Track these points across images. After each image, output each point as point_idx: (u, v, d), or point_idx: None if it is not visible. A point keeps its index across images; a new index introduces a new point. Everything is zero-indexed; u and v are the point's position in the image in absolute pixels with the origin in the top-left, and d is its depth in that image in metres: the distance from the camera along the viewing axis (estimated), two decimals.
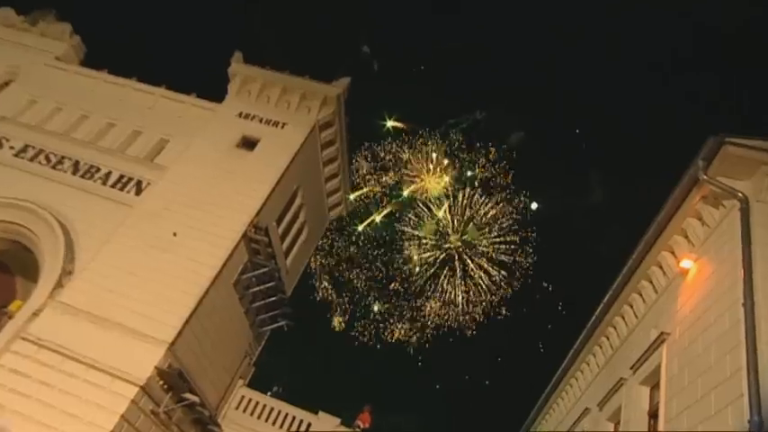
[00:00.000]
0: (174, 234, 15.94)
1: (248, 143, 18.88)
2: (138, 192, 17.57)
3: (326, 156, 21.01)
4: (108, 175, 17.93)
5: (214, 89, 20.26)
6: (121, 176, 17.87)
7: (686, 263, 8.74)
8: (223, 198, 17.09)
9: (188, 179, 17.57)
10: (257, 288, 17.17)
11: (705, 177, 8.06)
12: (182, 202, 16.98)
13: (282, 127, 19.17)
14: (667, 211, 9.03)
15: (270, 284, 17.25)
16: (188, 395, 14.49)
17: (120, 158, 18.46)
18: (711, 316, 7.60)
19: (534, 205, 24.30)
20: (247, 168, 17.99)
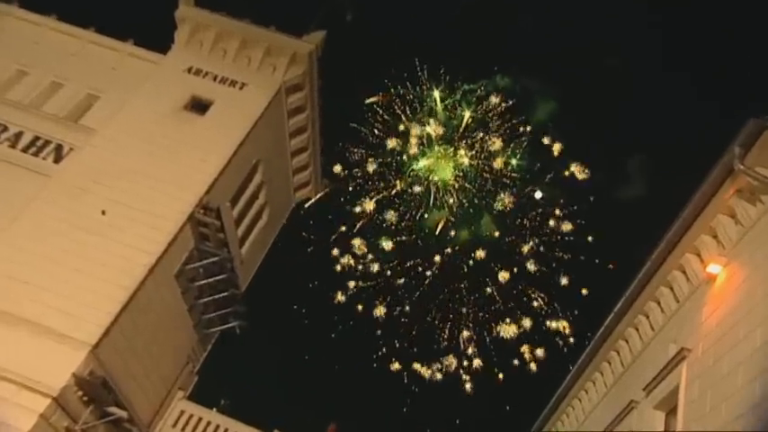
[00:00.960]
0: (103, 213, 15.61)
1: (198, 105, 18.62)
2: (58, 159, 17.00)
3: (294, 125, 20.80)
4: (18, 136, 17.22)
5: (157, 37, 19.85)
6: (36, 139, 17.21)
7: (714, 268, 8.57)
8: (165, 171, 16.86)
9: (122, 146, 17.17)
10: (205, 281, 17.11)
11: (742, 167, 7.87)
12: (113, 173, 16.58)
13: (241, 88, 18.96)
14: (695, 205, 8.81)
15: (220, 277, 17.19)
16: (114, 409, 14.26)
17: (35, 116, 17.76)
18: (741, 331, 7.47)
19: (539, 194, 24.90)
20: (196, 136, 17.77)
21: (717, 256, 8.72)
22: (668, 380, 8.86)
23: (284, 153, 21.02)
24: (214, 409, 18.40)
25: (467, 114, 26.79)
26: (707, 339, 8.32)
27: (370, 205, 24.74)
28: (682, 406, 8.15)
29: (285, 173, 21.63)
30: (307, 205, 22.71)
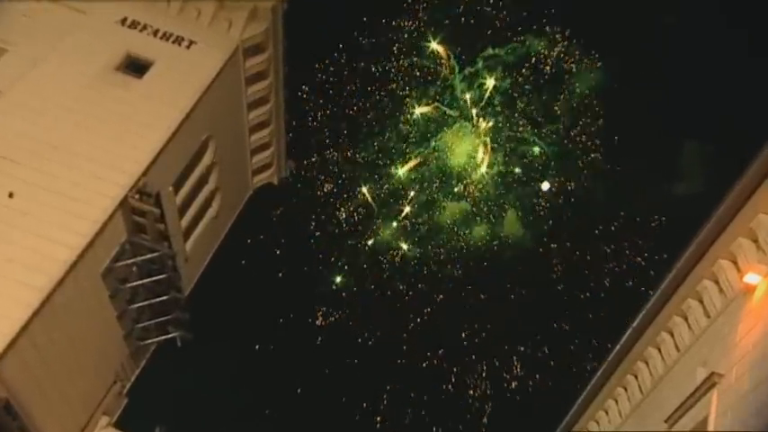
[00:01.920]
0: (11, 195, 15.11)
1: (135, 66, 18.26)
2: None
3: (254, 94, 20.56)
4: None
5: None
6: None
7: (752, 277, 8.52)
8: (92, 146, 16.41)
9: (35, 113, 16.62)
10: (139, 282, 16.84)
11: None
12: (24, 147, 16.03)
13: (189, 46, 18.60)
14: (731, 203, 8.71)
15: (159, 277, 16.94)
16: None
17: None
18: None
19: (546, 185, 25.19)
20: (132, 103, 17.40)
21: (756, 263, 8.67)
22: (695, 410, 8.82)
23: (241, 128, 20.88)
24: None
25: (489, 82, 26.56)
26: (742, 363, 8.25)
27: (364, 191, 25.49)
28: None
29: (242, 152, 21.50)
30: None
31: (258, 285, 25.32)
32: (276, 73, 20.62)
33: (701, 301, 9.61)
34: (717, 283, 9.33)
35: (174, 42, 18.54)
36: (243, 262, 25.11)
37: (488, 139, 26.05)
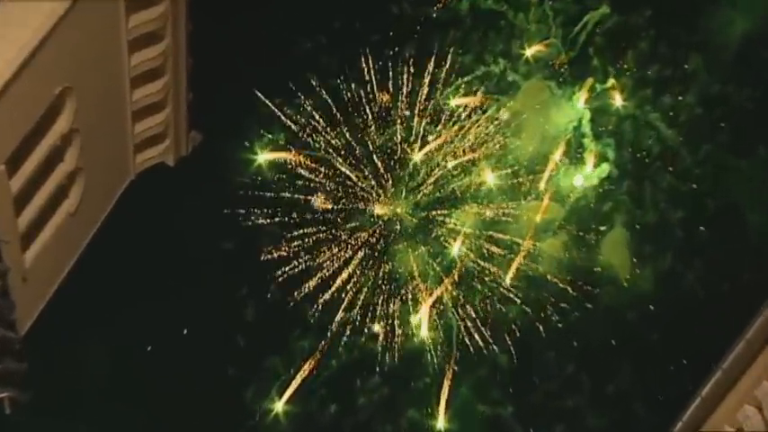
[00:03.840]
0: None
1: None
2: None
3: (139, 27, 19.86)
4: None
5: None
6: None
7: None
8: None
9: None
10: None
11: None
12: None
13: None
14: None
15: None
16: None
17: None
18: None
19: (579, 180, 26.47)
20: None
21: None
22: None
23: (119, 80, 20.43)
24: None
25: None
26: None
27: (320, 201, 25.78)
28: None
29: (119, 118, 21.10)
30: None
31: (142, 319, 23.95)
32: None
33: None
34: None
35: None
36: (119, 283, 23.65)
37: None
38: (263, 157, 25.32)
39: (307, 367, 25.13)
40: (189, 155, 23.45)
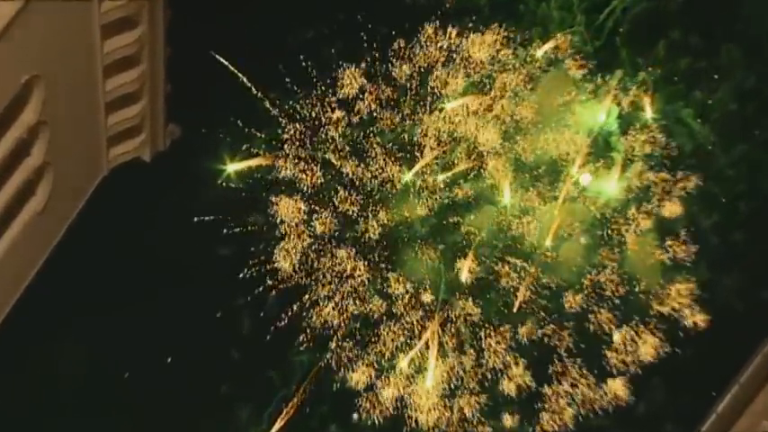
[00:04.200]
0: None
1: None
2: None
3: (110, 10, 19.78)
4: None
5: None
6: None
7: None
8: None
9: None
10: None
11: None
12: None
13: None
14: None
15: None
16: None
17: None
18: None
19: (586, 178, 26.29)
20: None
21: None
22: None
23: (91, 69, 20.46)
24: None
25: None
26: None
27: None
28: None
29: (92, 109, 21.00)
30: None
31: (114, 324, 23.82)
32: None
33: None
34: None
35: None
36: (89, 285, 23.60)
37: None
38: (242, 161, 24.77)
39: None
40: (166, 150, 23.56)
